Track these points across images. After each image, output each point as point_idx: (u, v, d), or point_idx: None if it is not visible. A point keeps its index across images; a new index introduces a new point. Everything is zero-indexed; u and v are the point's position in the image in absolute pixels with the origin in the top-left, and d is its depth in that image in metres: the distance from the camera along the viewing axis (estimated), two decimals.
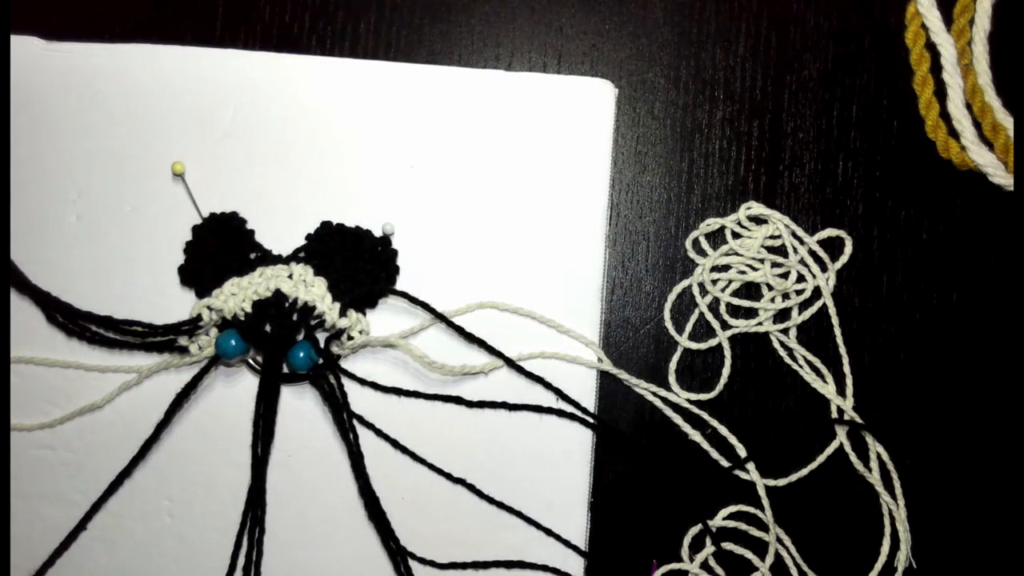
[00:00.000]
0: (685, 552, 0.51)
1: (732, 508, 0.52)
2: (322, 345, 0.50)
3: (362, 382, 0.51)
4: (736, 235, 0.53)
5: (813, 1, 0.55)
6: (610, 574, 0.51)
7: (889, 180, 0.54)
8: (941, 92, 0.54)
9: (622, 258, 0.54)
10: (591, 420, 0.51)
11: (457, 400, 0.51)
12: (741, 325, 0.53)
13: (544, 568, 0.50)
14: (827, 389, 0.52)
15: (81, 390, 0.51)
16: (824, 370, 0.52)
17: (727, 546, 0.51)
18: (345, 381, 0.51)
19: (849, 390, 0.52)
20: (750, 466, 0.52)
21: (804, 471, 0.52)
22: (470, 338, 0.51)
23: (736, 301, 0.53)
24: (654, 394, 0.52)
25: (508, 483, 0.50)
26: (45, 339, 0.51)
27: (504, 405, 0.51)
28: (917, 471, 0.52)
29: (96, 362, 0.51)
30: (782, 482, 0.52)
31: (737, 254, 0.53)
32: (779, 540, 0.51)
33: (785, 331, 0.53)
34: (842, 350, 0.52)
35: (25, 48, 0.52)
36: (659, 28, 0.55)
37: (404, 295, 0.51)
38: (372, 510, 0.50)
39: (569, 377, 0.51)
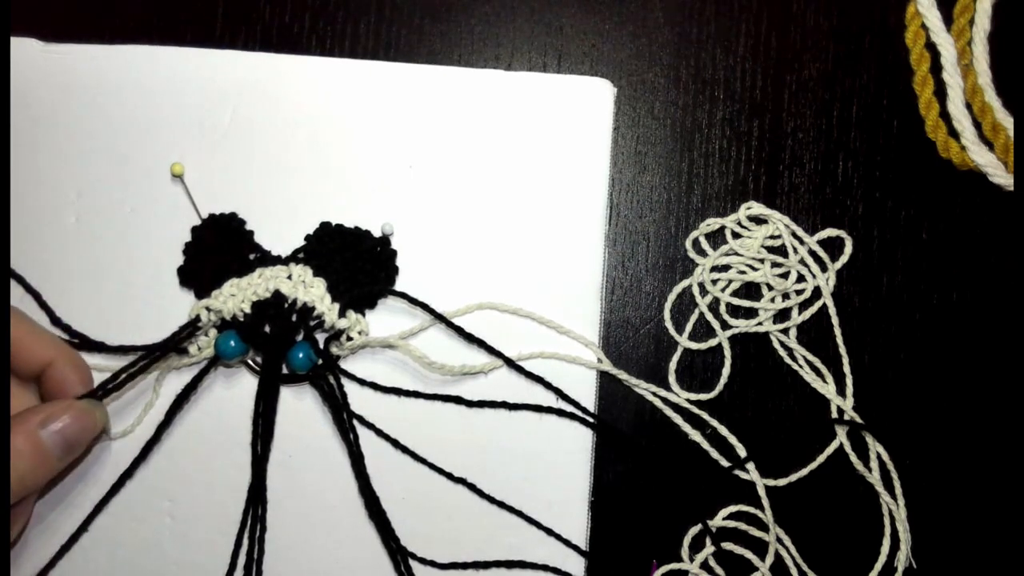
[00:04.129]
0: (685, 552, 0.51)
1: (732, 508, 0.52)
2: (321, 346, 0.50)
3: (362, 382, 0.51)
4: (736, 235, 0.53)
5: (813, 1, 0.55)
6: (610, 574, 0.51)
7: (889, 180, 0.54)
8: (941, 92, 0.54)
9: (622, 258, 0.54)
10: (591, 420, 0.51)
11: (457, 400, 0.51)
12: (741, 325, 0.53)
13: (544, 568, 0.50)
14: (827, 389, 0.52)
15: None
16: (824, 370, 0.52)
17: (727, 546, 0.51)
18: (345, 381, 0.51)
19: (849, 390, 0.52)
20: (750, 466, 0.52)
21: (804, 471, 0.52)
22: (470, 338, 0.51)
23: (736, 301, 0.53)
24: (654, 394, 0.52)
25: (508, 483, 0.50)
26: None
27: (504, 405, 0.51)
28: (917, 471, 0.52)
29: (96, 361, 0.51)
30: (782, 482, 0.52)
31: (737, 254, 0.53)
32: (779, 540, 0.51)
33: (785, 331, 0.53)
34: (842, 350, 0.52)
35: (24, 50, 0.52)
36: (659, 28, 0.55)
37: (403, 296, 0.51)
38: (372, 510, 0.50)
39: (569, 377, 0.51)
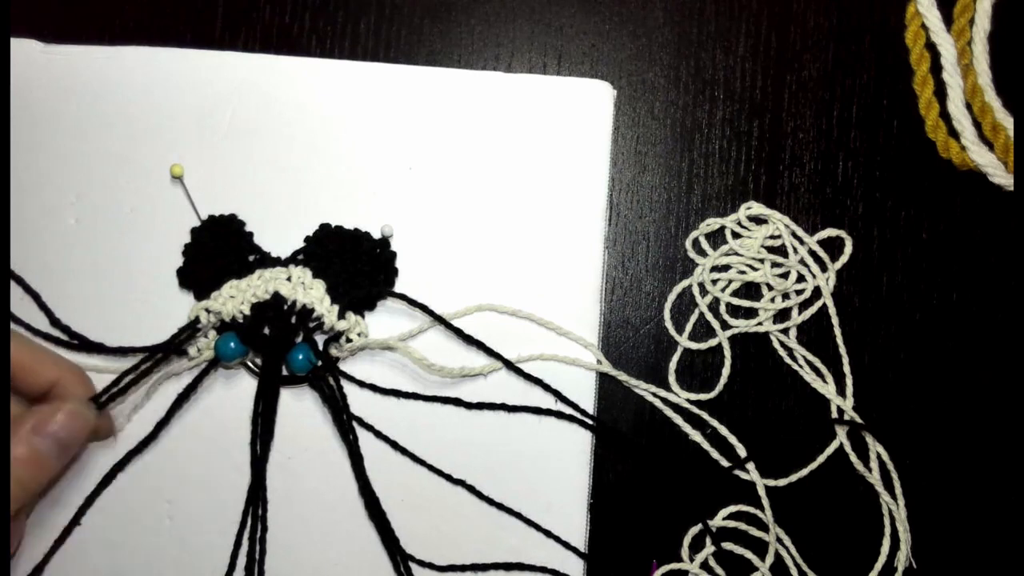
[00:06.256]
0: (685, 552, 0.51)
1: (732, 508, 0.52)
2: (321, 347, 0.50)
3: (361, 384, 0.51)
4: (736, 235, 0.53)
5: (813, 1, 0.55)
6: (610, 575, 0.51)
7: (889, 180, 0.54)
8: (941, 92, 0.54)
9: (622, 258, 0.54)
10: (590, 422, 0.51)
11: (456, 402, 0.51)
12: (741, 325, 0.53)
13: (543, 570, 0.50)
14: (827, 389, 0.52)
15: None
16: (824, 370, 0.52)
17: (727, 546, 0.51)
18: (344, 383, 0.51)
19: (849, 390, 0.52)
20: (750, 466, 0.52)
21: (804, 471, 0.52)
22: (469, 340, 0.51)
23: (736, 301, 0.53)
24: (654, 394, 0.52)
25: (507, 484, 0.50)
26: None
27: (503, 407, 0.51)
28: (917, 471, 0.52)
29: (96, 362, 0.51)
30: (782, 482, 0.52)
31: (737, 254, 0.53)
32: (779, 540, 0.51)
33: (785, 331, 0.53)
34: (842, 350, 0.52)
35: (24, 51, 0.52)
36: (659, 28, 0.55)
37: (403, 297, 0.51)
38: (372, 511, 0.50)
39: (568, 378, 0.51)
